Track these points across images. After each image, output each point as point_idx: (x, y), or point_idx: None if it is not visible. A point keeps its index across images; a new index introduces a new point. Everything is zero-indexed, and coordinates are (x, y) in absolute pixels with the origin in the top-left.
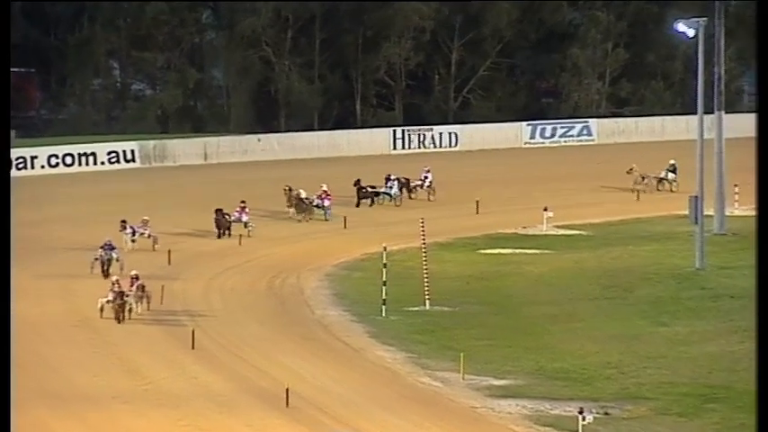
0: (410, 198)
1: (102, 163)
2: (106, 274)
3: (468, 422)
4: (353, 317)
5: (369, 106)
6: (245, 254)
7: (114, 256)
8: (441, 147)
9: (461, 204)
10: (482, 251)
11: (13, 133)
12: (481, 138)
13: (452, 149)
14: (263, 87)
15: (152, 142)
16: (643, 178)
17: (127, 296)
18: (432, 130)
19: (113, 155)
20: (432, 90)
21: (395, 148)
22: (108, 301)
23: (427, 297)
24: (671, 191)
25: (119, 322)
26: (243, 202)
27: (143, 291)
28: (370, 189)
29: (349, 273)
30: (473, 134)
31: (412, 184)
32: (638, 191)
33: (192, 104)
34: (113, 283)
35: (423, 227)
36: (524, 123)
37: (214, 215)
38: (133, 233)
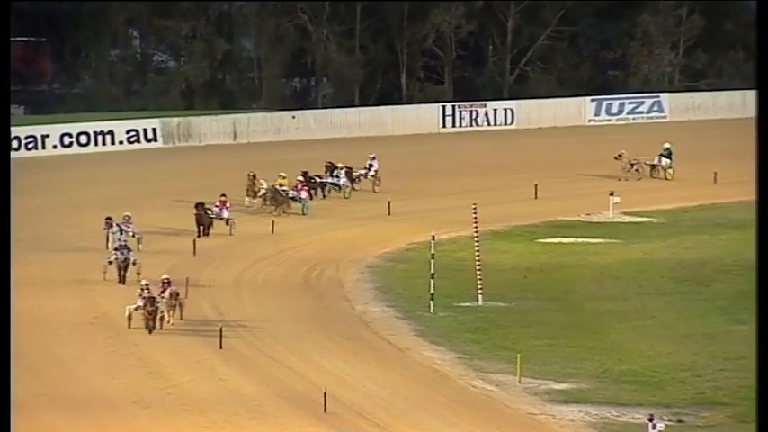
0: (353, 189)
1: (121, 143)
2: (123, 280)
3: (525, 430)
4: (398, 313)
5: (415, 80)
6: (278, 243)
7: (131, 258)
8: (495, 125)
9: (518, 189)
10: (541, 240)
11: (21, 109)
12: (540, 115)
13: (508, 127)
14: (299, 59)
15: (176, 119)
16: (632, 165)
17: (158, 303)
18: (485, 106)
19: (133, 134)
20: (485, 62)
21: (444, 126)
22: (137, 308)
23: (480, 291)
24: (665, 178)
25: (150, 332)
26: (223, 195)
27: (176, 298)
28: (318, 179)
29: (393, 264)
30: (531, 111)
31: (355, 173)
32: (626, 179)
33: (219, 78)
34: (142, 288)
35: (475, 213)
36: (588, 99)
37: (194, 210)
38: (120, 232)
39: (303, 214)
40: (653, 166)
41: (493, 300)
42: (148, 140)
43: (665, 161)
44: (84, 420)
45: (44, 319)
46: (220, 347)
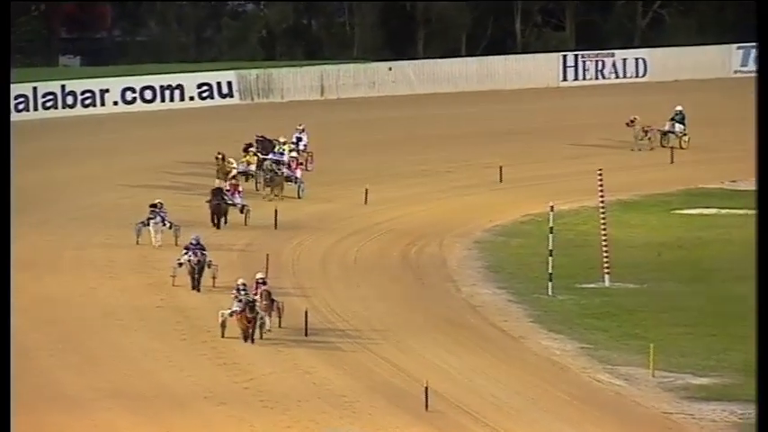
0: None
1: (192, 98)
2: (197, 286)
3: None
4: (511, 296)
5: (531, 25)
6: (372, 216)
7: (207, 259)
8: (624, 77)
9: (651, 151)
10: (678, 211)
11: (77, 60)
12: (677, 65)
13: (639, 80)
14: (396, 1)
15: (254, 72)
16: (646, 132)
17: (259, 308)
18: (613, 55)
19: (205, 88)
20: (613, 4)
21: (565, 79)
22: (232, 314)
23: (607, 271)
24: (680, 147)
25: (251, 342)
26: (234, 178)
27: (271, 300)
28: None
29: (505, 239)
30: (667, 60)
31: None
32: (639, 149)
33: (304, 23)
34: (238, 290)
35: (601, 180)
36: (734, 46)
37: (210, 197)
38: (163, 222)
39: (299, 197)
40: (664, 134)
41: (622, 281)
42: (223, 96)
43: (678, 127)
44: (149, 418)
45: (103, 301)
46: (305, 335)
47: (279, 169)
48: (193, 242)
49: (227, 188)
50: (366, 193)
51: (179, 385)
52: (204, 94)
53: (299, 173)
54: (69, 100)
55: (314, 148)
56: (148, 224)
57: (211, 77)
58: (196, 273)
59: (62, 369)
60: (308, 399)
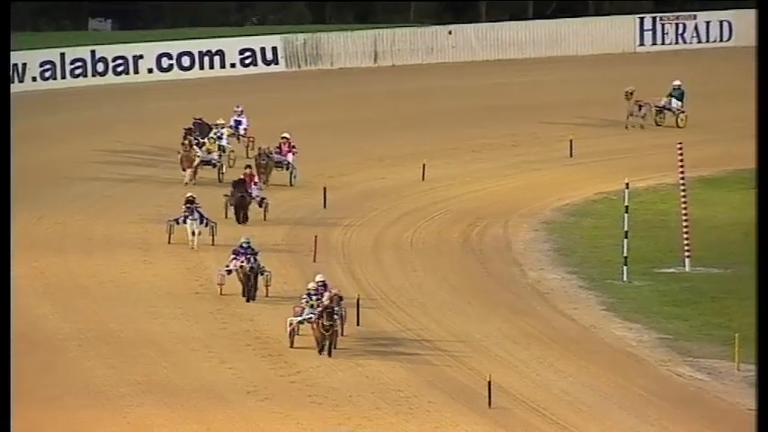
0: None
1: (233, 65)
2: (252, 295)
3: (745, 430)
4: (582, 281)
5: None
6: (430, 194)
7: (259, 265)
8: (707, 41)
9: (735, 123)
10: None
11: (108, 24)
12: None
13: (724, 45)
14: None
15: (301, 36)
16: (640, 107)
17: (337, 315)
18: (695, 17)
19: (248, 54)
20: None
21: (641, 44)
22: (303, 322)
23: (687, 254)
24: (677, 125)
25: (327, 354)
26: (248, 167)
27: (339, 304)
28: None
29: (576, 220)
30: (754, 23)
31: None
32: (632, 126)
33: None
34: (309, 295)
35: (681, 155)
36: None
37: (232, 190)
38: (201, 219)
39: (291, 185)
40: (659, 110)
41: (704, 265)
42: (267, 62)
43: (675, 103)
44: (187, 414)
45: (138, 287)
46: (357, 324)
47: (269, 154)
48: (244, 245)
49: (242, 175)
50: (423, 169)
51: (219, 378)
52: (247, 61)
53: (290, 157)
54: (100, 67)
55: (366, 119)
56: (184, 222)
57: (255, 42)
58: (251, 281)
59: (92, 361)
60: (359, 393)
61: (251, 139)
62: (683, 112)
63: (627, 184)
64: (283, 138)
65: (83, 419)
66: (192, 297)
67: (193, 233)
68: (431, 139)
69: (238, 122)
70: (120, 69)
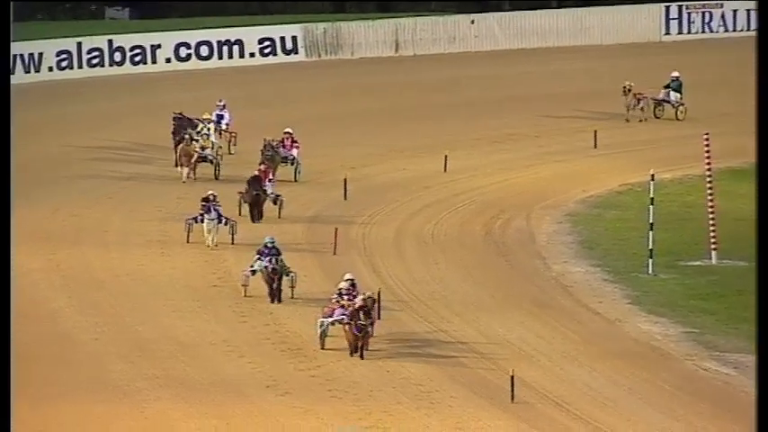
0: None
1: (252, 55)
2: (277, 297)
3: None
4: (607, 274)
5: None
6: (452, 185)
7: (283, 265)
8: (734, 30)
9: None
10: None
11: (125, 13)
12: None
13: (751, 33)
14: None
15: (321, 26)
16: (639, 101)
17: (373, 316)
18: (721, 6)
19: (267, 43)
20: None
21: (668, 33)
22: (335, 323)
23: (714, 246)
24: (676, 118)
25: (360, 356)
26: (263, 163)
27: (372, 305)
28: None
29: (601, 211)
30: None
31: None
32: (631, 118)
33: None
34: (341, 295)
35: (708, 145)
36: None
37: (247, 187)
38: (219, 219)
39: (295, 180)
40: (658, 103)
41: (730, 257)
42: (287, 52)
43: (674, 96)
44: (205, 409)
45: (155, 280)
46: (378, 318)
47: (276, 147)
48: (268, 245)
49: (255, 173)
50: (445, 160)
51: (238, 373)
52: (266, 51)
53: (294, 152)
54: (117, 56)
55: (387, 110)
56: (201, 220)
57: (274, 32)
58: (275, 282)
59: (109, 355)
60: (380, 388)
61: (233, 134)
62: (682, 104)
63: (652, 175)
64: (286, 133)
65: (100, 414)
66: (210, 290)
67: (209, 231)
68: (453, 129)
69: (220, 117)
70: (137, 59)
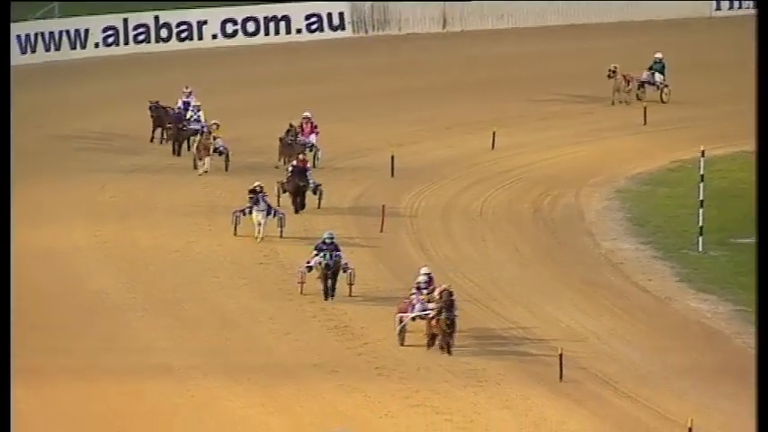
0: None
1: (299, 31)
2: (331, 292)
3: None
4: (656, 252)
5: None
6: (500, 163)
7: (343, 260)
8: None
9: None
10: None
11: None
12: None
13: None
14: None
15: (368, 2)
16: (628, 82)
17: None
18: None
19: (314, 19)
20: None
21: (718, 8)
22: (415, 318)
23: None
24: (660, 100)
25: (448, 352)
26: (301, 153)
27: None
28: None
29: (651, 188)
30: None
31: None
32: (618, 101)
33: None
34: (421, 289)
35: None
36: None
37: (289, 176)
38: (269, 211)
39: (314, 167)
40: (641, 84)
41: None
42: (333, 28)
43: (658, 77)
44: (252, 387)
45: (201, 257)
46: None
47: (297, 133)
48: (327, 240)
49: (294, 162)
50: (493, 136)
51: (285, 350)
52: (313, 27)
53: (313, 138)
54: (163, 33)
55: (435, 86)
56: (250, 212)
57: (321, 8)
58: (329, 278)
59: (156, 332)
60: (427, 366)
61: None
62: (666, 85)
63: (702, 151)
64: (305, 117)
65: (146, 392)
66: (256, 267)
67: (259, 224)
68: (501, 106)
69: (186, 104)
70: (183, 35)
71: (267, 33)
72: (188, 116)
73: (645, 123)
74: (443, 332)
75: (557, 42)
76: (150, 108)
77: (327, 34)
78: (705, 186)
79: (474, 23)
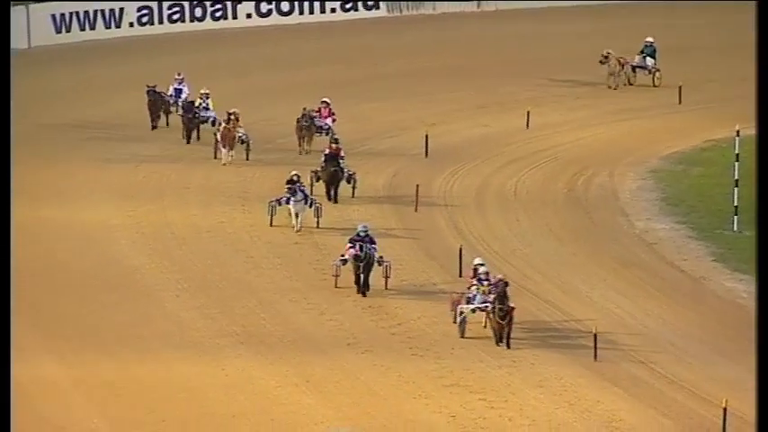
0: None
1: (333, 10)
2: (365, 287)
3: None
4: (691, 231)
5: None
6: (534, 142)
7: (375, 254)
8: None
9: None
10: None
11: None
12: None
13: None
14: None
15: None
16: (622, 66)
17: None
18: None
19: None
20: None
21: None
22: (475, 310)
23: None
24: (653, 84)
25: (506, 345)
26: (335, 141)
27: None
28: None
29: (685, 168)
30: None
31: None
32: (614, 85)
33: None
34: (480, 280)
35: None
36: None
37: (324, 165)
38: (305, 199)
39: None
40: (632, 68)
41: None
42: (368, 7)
43: (649, 61)
44: (285, 367)
45: (235, 237)
46: (460, 275)
47: (312, 117)
48: (361, 233)
49: (327, 150)
50: (528, 116)
51: (319, 330)
52: (347, 6)
53: (329, 122)
54: (198, 12)
55: (469, 65)
56: (287, 202)
57: None
58: (361, 271)
59: (190, 311)
60: (462, 346)
61: (209, 118)
62: (657, 70)
63: (737, 131)
64: (323, 102)
65: (180, 371)
66: (291, 247)
67: (297, 214)
68: (535, 85)
69: (179, 91)
70: (218, 15)
71: (301, 13)
72: (197, 104)
73: (680, 103)
74: (499, 324)
75: (591, 22)
76: (147, 92)
77: (362, 14)
78: (740, 166)
79: (508, 2)
